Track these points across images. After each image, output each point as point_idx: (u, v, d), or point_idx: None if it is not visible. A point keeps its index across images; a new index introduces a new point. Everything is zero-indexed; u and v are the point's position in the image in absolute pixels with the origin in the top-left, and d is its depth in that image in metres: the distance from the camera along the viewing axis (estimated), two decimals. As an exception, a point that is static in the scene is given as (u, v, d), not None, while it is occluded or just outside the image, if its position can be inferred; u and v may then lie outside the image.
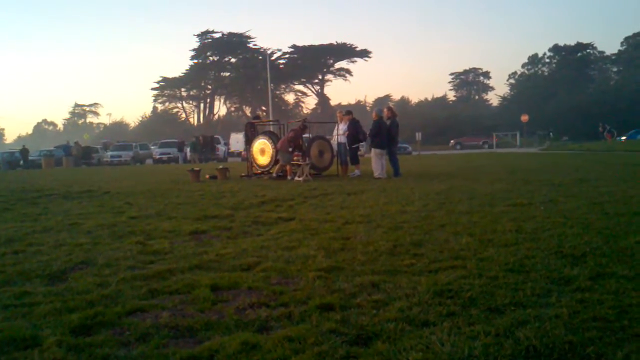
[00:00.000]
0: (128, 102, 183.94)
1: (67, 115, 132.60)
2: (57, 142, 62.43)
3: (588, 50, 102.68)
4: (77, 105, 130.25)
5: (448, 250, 5.62)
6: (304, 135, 18.52)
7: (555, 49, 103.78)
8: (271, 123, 23.12)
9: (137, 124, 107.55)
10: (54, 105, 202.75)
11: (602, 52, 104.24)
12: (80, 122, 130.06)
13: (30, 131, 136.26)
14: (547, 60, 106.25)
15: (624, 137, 56.69)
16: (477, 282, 4.35)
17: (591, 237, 5.94)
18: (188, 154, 43.39)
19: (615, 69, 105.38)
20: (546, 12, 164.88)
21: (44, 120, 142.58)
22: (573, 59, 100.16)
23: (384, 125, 16.07)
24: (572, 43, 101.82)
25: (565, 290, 4.12)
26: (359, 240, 6.30)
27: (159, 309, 4.07)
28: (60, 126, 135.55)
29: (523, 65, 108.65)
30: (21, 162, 42.89)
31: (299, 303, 4.05)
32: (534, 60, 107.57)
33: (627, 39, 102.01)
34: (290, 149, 16.77)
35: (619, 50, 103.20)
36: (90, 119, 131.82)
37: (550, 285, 4.26)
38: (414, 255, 5.46)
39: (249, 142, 19.03)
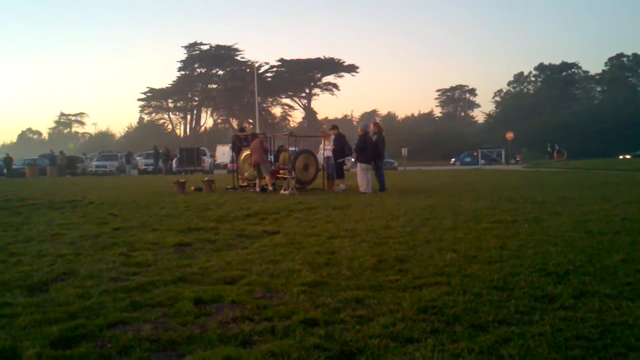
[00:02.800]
0: (114, 112, 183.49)
1: (53, 124, 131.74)
2: (41, 151, 61.93)
3: (573, 70, 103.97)
4: (62, 114, 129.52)
5: (432, 266, 5.62)
6: (290, 149, 18.63)
7: (541, 67, 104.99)
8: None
9: (122, 134, 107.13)
10: (39, 114, 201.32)
11: (586, 72, 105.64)
12: (65, 131, 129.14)
13: (14, 139, 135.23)
14: (533, 78, 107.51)
15: (628, 156, 58.02)
16: (461, 299, 4.35)
17: (575, 255, 5.97)
18: (175, 164, 43.34)
19: (599, 89, 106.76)
20: (532, 31, 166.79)
21: (29, 129, 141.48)
22: (558, 78, 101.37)
23: (370, 140, 16.13)
24: (558, 62, 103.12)
25: (549, 308, 4.13)
26: (344, 255, 6.29)
27: (141, 321, 4.04)
28: (45, 135, 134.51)
29: (509, 83, 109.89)
30: (4, 170, 42.47)
31: (282, 318, 4.03)
32: (519, 78, 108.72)
33: (610, 59, 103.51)
34: (270, 158, 16.93)
35: (603, 70, 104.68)
36: (76, 128, 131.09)
37: (534, 302, 4.26)
38: (399, 270, 5.45)
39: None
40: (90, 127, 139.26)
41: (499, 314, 3.99)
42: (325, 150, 17.72)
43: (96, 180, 29.13)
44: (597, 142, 71.55)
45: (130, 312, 4.28)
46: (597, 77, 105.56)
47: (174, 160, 44.16)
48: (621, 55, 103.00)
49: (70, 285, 5.11)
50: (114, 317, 4.09)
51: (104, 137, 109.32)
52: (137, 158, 51.74)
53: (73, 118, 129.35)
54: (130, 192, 17.65)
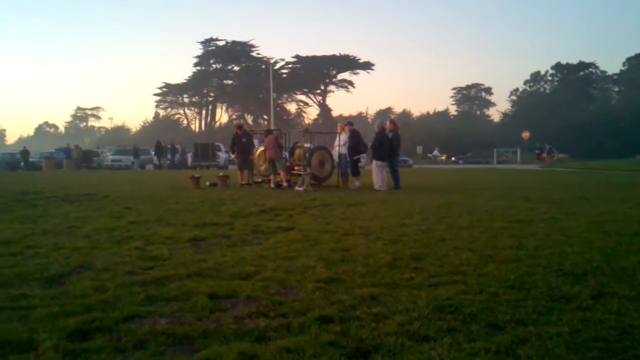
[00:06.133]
0: (130, 107, 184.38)
1: (69, 118, 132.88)
2: (57, 145, 62.33)
3: (590, 70, 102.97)
4: (79, 108, 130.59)
5: (448, 264, 5.59)
6: (305, 145, 18.63)
7: (558, 67, 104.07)
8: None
9: (138, 129, 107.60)
10: (56, 108, 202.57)
11: (604, 72, 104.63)
12: (81, 125, 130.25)
13: (31, 133, 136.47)
14: (549, 78, 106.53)
15: None
16: (478, 298, 4.32)
17: (592, 255, 5.91)
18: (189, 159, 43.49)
19: (616, 89, 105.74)
20: (549, 30, 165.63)
21: (46, 123, 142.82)
22: (575, 78, 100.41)
23: (386, 138, 16.08)
24: (575, 62, 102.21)
25: (567, 308, 4.09)
26: (359, 252, 6.27)
27: (157, 315, 4.04)
28: (61, 129, 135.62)
29: (525, 82, 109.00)
30: (22, 163, 42.81)
31: (298, 314, 4.02)
32: (536, 77, 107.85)
33: (629, 59, 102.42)
34: (284, 155, 16.93)
35: (621, 71, 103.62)
36: (92, 122, 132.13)
37: (552, 303, 4.23)
38: (414, 269, 5.43)
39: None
40: (106, 122, 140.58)
41: (516, 313, 3.96)
42: (339, 146, 17.68)
43: (112, 175, 29.27)
44: (614, 143, 70.84)
45: (146, 305, 4.29)
46: (615, 77, 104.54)
47: (189, 155, 44.27)
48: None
49: (87, 278, 5.13)
50: (129, 311, 4.10)
51: (120, 131, 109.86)
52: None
53: (89, 112, 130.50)
54: (146, 186, 17.72)
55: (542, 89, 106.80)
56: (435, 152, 68.41)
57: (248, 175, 18.62)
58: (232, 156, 22.14)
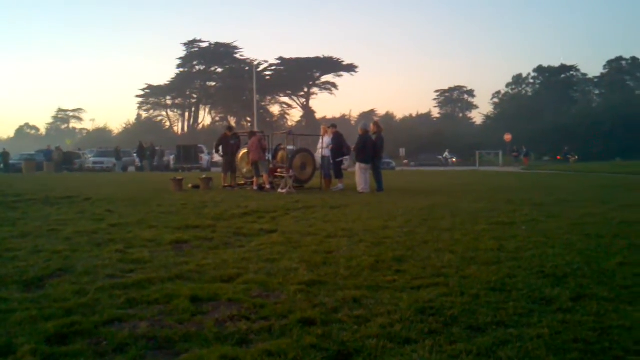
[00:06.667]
0: (112, 109, 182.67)
1: (50, 120, 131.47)
2: (38, 147, 61.77)
3: (571, 72, 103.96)
4: (60, 110, 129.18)
5: (430, 267, 5.61)
6: (288, 147, 18.64)
7: (540, 70, 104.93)
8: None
9: (120, 131, 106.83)
10: (37, 110, 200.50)
11: (585, 75, 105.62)
12: (63, 127, 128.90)
13: (12, 134, 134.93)
14: (531, 80, 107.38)
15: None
16: (459, 300, 4.34)
17: (572, 257, 5.96)
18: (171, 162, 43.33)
19: (597, 92, 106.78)
20: (531, 33, 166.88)
21: (26, 124, 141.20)
22: (557, 81, 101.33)
23: (370, 140, 16.12)
24: (556, 65, 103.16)
25: (547, 310, 4.12)
26: (342, 254, 6.28)
27: (137, 319, 4.01)
28: (42, 130, 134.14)
29: (507, 85, 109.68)
30: (1, 165, 42.35)
31: (279, 317, 4.01)
32: (518, 80, 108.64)
33: (609, 62, 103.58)
34: (267, 157, 16.95)
35: (602, 74, 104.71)
36: (74, 124, 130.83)
37: (532, 305, 4.25)
38: (397, 271, 5.44)
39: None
40: (88, 123, 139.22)
41: (497, 315, 3.97)
42: (322, 149, 17.69)
43: (93, 177, 29.06)
44: (595, 145, 71.60)
45: (127, 309, 4.25)
46: (596, 80, 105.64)
47: (171, 158, 44.10)
48: (620, 58, 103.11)
49: (66, 282, 5.08)
50: (110, 314, 4.06)
51: (102, 133, 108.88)
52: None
53: (71, 114, 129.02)
54: (128, 188, 17.61)
55: (524, 92, 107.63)
56: (446, 154, 67.86)
57: (231, 177, 18.57)
58: (216, 156, 21.98)
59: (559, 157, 59.43)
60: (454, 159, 67.23)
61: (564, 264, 5.63)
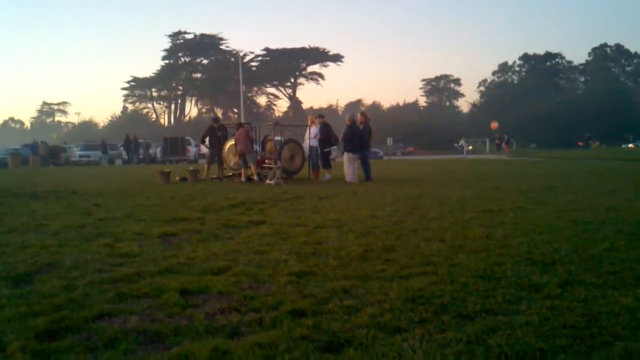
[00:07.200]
0: (98, 102, 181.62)
1: (35, 114, 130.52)
2: (24, 141, 61.27)
3: (557, 60, 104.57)
4: (45, 103, 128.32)
5: (419, 256, 5.62)
6: (275, 138, 18.61)
7: (525, 57, 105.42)
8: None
9: (106, 123, 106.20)
10: (22, 103, 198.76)
11: (570, 62, 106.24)
12: (48, 120, 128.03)
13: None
14: (517, 68, 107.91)
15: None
16: (449, 289, 4.36)
17: (560, 244, 6.00)
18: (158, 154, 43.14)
19: (582, 79, 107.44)
20: (517, 21, 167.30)
21: (11, 118, 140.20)
22: (542, 68, 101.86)
23: (357, 130, 16.12)
24: (542, 52, 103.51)
25: (535, 297, 4.14)
26: (331, 245, 6.28)
27: (127, 313, 4.00)
28: (27, 124, 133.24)
29: (493, 73, 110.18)
30: (-14, 160, 41.99)
31: (270, 308, 4.01)
32: (503, 68, 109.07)
33: (594, 49, 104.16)
34: (255, 148, 16.96)
35: (587, 61, 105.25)
36: (59, 117, 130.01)
37: (521, 292, 4.28)
38: (386, 260, 5.45)
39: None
40: (73, 117, 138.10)
41: (486, 303, 3.99)
42: (310, 139, 17.68)
43: (79, 170, 28.88)
44: (580, 132, 72.05)
45: (116, 303, 4.23)
46: (581, 67, 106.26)
47: (157, 150, 43.92)
48: (605, 45, 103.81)
49: (55, 277, 5.04)
50: (99, 309, 4.04)
51: (87, 126, 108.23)
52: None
53: (56, 107, 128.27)
54: (115, 182, 17.52)
55: (510, 80, 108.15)
56: (462, 142, 66.12)
57: (218, 169, 18.52)
58: (203, 148, 21.89)
59: (580, 143, 59.57)
60: (471, 147, 65.24)
61: (552, 251, 5.66)
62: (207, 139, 18.73)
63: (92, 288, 4.63)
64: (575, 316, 3.69)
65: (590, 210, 8.70)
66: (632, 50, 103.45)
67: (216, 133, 18.42)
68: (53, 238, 7.03)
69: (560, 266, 5.03)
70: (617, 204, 9.46)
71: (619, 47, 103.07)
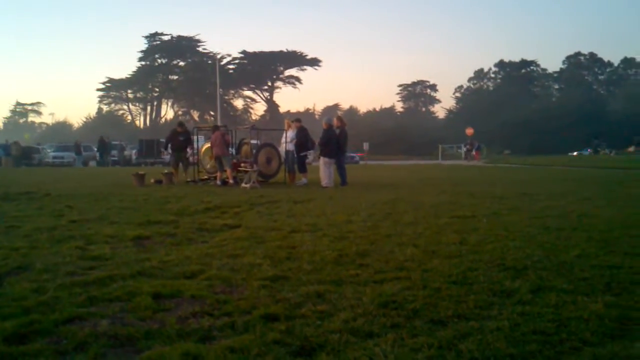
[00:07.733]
0: (72, 103, 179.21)
1: (8, 114, 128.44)
2: (-5, 141, 60.38)
3: (532, 67, 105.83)
4: (18, 103, 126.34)
5: (393, 260, 5.65)
6: (252, 142, 18.61)
7: (501, 64, 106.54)
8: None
9: (81, 125, 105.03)
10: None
11: (545, 70, 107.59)
12: (21, 121, 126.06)
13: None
14: (493, 75, 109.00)
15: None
16: (421, 294, 4.38)
17: (532, 250, 6.06)
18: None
19: (557, 86, 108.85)
20: (492, 28, 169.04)
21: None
22: (517, 75, 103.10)
23: (334, 135, 16.14)
24: (517, 59, 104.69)
25: (507, 303, 4.18)
26: (305, 249, 6.28)
27: (98, 316, 3.95)
28: (0, 125, 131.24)
29: (469, 80, 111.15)
30: (-43, 160, 41.30)
31: (243, 313, 4.00)
32: (479, 74, 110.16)
33: (568, 57, 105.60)
34: (231, 152, 16.93)
35: (561, 69, 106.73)
36: (32, 118, 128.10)
37: (493, 297, 4.32)
38: (360, 265, 5.46)
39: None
40: (47, 117, 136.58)
41: (458, 308, 4.02)
42: (286, 143, 17.67)
43: (53, 172, 28.53)
44: (554, 139, 72.98)
45: (87, 307, 4.19)
46: (555, 75, 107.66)
47: (133, 152, 43.55)
48: (579, 54, 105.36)
49: (25, 280, 4.98)
50: (70, 312, 3.99)
51: (62, 127, 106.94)
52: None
53: (29, 107, 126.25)
54: (88, 183, 17.34)
55: (485, 86, 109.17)
56: (466, 147, 60.53)
57: (184, 171, 18.51)
58: (164, 153, 21.92)
59: (589, 150, 59.72)
60: (477, 151, 58.38)
61: (524, 257, 5.73)
62: (169, 145, 18.77)
63: (62, 291, 4.57)
64: (546, 322, 3.73)
65: (563, 217, 8.82)
66: (605, 59, 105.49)
67: (178, 138, 18.45)
68: (24, 240, 6.93)
69: (532, 272, 5.09)
70: (588, 210, 9.59)
71: (592, 56, 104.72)
